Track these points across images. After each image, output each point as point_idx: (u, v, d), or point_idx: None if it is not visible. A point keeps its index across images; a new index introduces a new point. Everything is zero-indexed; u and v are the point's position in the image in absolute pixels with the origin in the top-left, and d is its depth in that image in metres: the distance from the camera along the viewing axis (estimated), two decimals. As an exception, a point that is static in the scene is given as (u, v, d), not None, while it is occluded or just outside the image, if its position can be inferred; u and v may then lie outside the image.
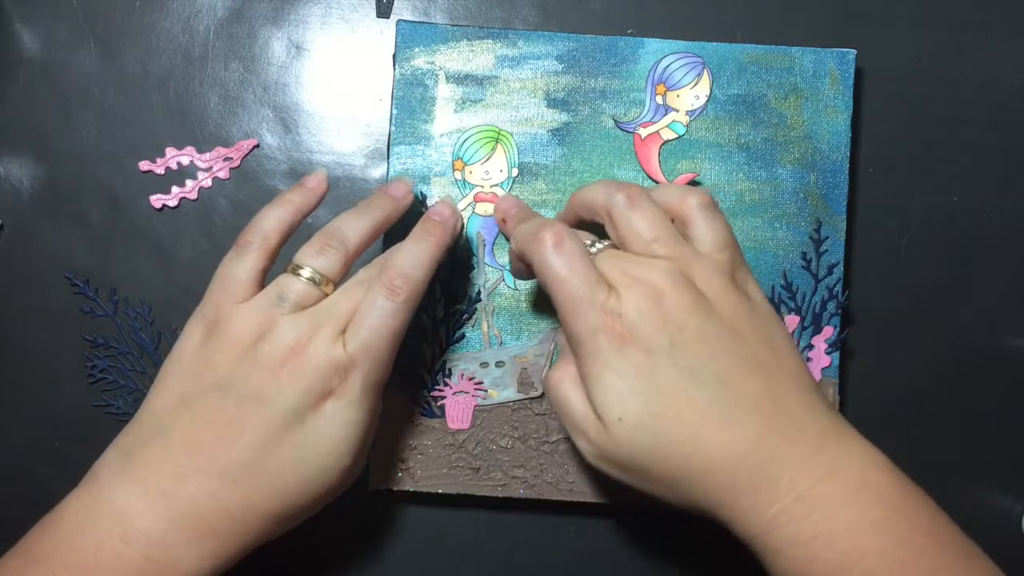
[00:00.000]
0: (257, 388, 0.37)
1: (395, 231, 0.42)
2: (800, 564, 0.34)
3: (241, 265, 0.39)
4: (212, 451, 0.36)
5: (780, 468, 0.34)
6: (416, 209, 0.43)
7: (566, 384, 0.38)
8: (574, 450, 0.46)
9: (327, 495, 0.39)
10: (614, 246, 0.38)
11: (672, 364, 0.35)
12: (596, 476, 0.46)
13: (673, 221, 0.38)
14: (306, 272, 0.39)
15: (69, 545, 0.35)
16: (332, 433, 0.37)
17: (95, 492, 0.36)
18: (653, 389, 0.35)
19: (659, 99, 0.47)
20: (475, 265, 0.46)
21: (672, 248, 0.37)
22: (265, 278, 0.40)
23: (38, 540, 0.36)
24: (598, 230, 0.40)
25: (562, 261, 0.36)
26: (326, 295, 0.39)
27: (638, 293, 0.35)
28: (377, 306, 0.38)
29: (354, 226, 0.40)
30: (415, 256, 0.39)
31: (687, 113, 0.47)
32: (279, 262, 0.40)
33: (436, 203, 0.42)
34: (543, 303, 0.46)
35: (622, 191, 0.38)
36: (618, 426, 0.35)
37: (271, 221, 0.40)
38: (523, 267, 0.40)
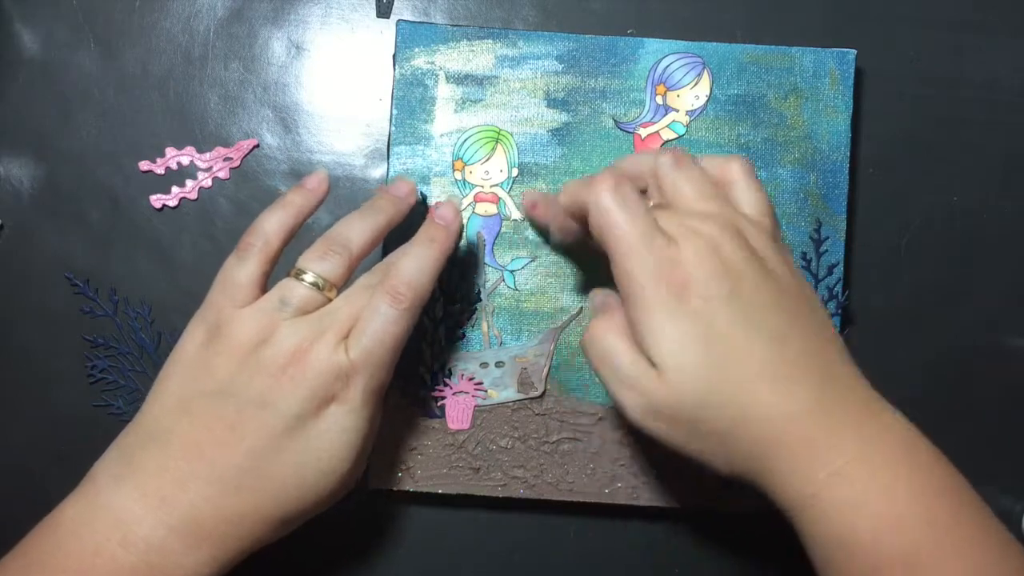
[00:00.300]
0: (258, 393, 0.36)
1: (397, 231, 0.42)
2: (841, 531, 0.34)
3: (243, 269, 0.39)
4: (212, 457, 0.36)
5: (830, 433, 0.34)
6: (418, 209, 0.43)
7: (612, 335, 0.37)
8: (574, 450, 0.46)
9: (326, 500, 0.39)
10: (659, 206, 0.38)
11: (731, 313, 0.34)
12: (596, 476, 0.46)
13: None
14: (309, 277, 0.38)
15: (67, 550, 0.35)
16: (333, 439, 0.37)
17: (92, 497, 0.36)
18: (711, 337, 0.34)
19: (659, 99, 0.47)
20: (475, 265, 0.46)
21: (721, 206, 0.37)
22: (267, 281, 0.39)
23: (36, 544, 0.36)
24: None
25: (620, 204, 0.36)
26: (329, 300, 0.39)
27: (696, 242, 0.35)
28: (380, 313, 0.38)
29: (357, 230, 0.40)
30: (419, 262, 0.39)
31: (687, 113, 0.47)
32: (280, 265, 0.40)
33: (439, 205, 0.42)
34: (543, 303, 0.46)
35: (668, 153, 0.38)
36: (675, 374, 0.34)
37: (272, 224, 0.40)
38: (571, 226, 0.39)
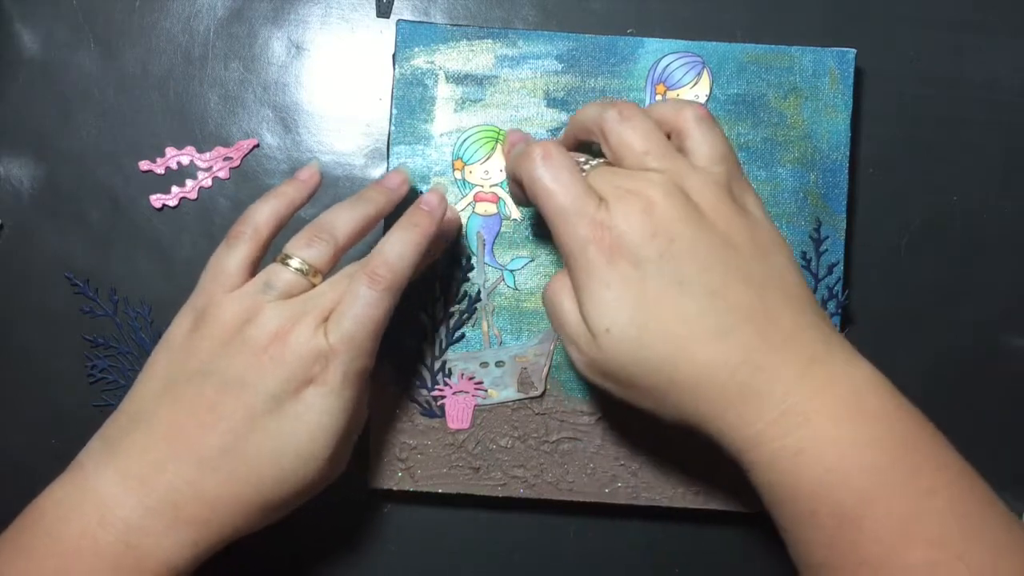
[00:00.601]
0: (238, 372, 0.37)
1: (392, 221, 0.42)
2: (785, 479, 0.34)
3: (232, 256, 0.39)
4: (191, 437, 0.36)
5: (769, 382, 0.34)
6: (411, 199, 0.44)
7: (561, 294, 0.37)
8: (574, 449, 0.46)
9: (307, 488, 0.38)
10: (608, 164, 0.38)
11: (660, 275, 0.34)
12: (596, 476, 0.46)
13: (670, 137, 0.38)
14: (295, 262, 0.39)
15: (54, 534, 0.35)
16: (311, 420, 0.37)
17: (79, 481, 0.36)
18: (641, 301, 0.34)
19: (659, 99, 0.47)
20: (475, 265, 0.46)
21: (665, 160, 0.36)
22: (256, 269, 0.40)
23: (24, 529, 0.36)
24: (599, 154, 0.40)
25: (551, 174, 0.36)
26: (313, 285, 0.39)
27: (628, 204, 0.35)
28: (359, 296, 0.38)
29: (344, 219, 0.40)
30: (399, 246, 0.39)
31: (687, 113, 0.47)
32: (269, 256, 0.40)
33: (426, 192, 0.42)
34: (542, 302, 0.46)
35: (614, 107, 0.38)
36: (606, 337, 0.35)
37: (263, 213, 0.40)
38: (519, 191, 0.40)
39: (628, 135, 0.37)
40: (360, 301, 0.38)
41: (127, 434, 0.37)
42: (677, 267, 0.34)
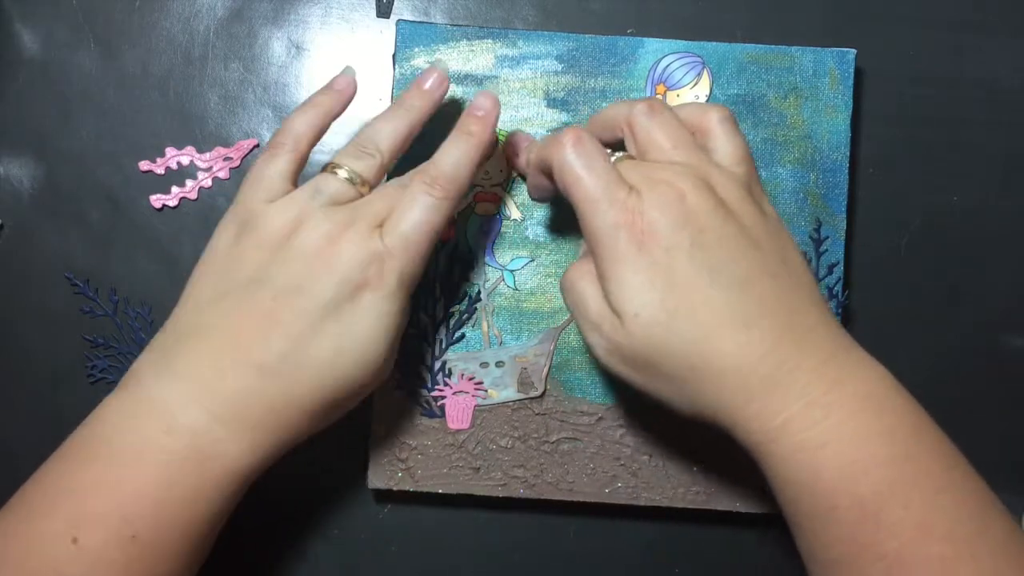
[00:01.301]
0: (293, 279, 0.37)
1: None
2: (806, 472, 0.34)
3: (274, 165, 0.39)
4: (250, 344, 0.36)
5: (792, 374, 0.34)
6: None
7: (584, 280, 0.38)
8: (574, 449, 0.46)
9: (361, 389, 0.39)
10: (630, 157, 0.38)
11: (691, 262, 0.35)
12: (596, 476, 0.46)
13: (693, 136, 0.39)
14: (343, 172, 0.39)
15: (115, 445, 0.35)
16: (369, 323, 0.37)
17: (135, 391, 0.37)
18: (670, 285, 0.35)
19: (659, 99, 0.47)
20: (475, 265, 0.46)
21: (692, 156, 0.37)
22: (297, 180, 0.40)
23: (84, 441, 0.36)
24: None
25: (582, 161, 0.36)
26: (362, 196, 0.39)
27: (659, 192, 0.35)
28: (418, 201, 0.38)
29: (388, 132, 0.40)
30: (456, 156, 0.39)
31: (687, 113, 0.47)
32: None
33: (477, 95, 0.41)
34: (543, 303, 0.46)
35: (643, 102, 0.38)
36: (634, 321, 0.35)
37: (301, 124, 0.40)
38: (543, 183, 0.40)
39: (656, 129, 0.38)
40: (418, 205, 0.38)
41: (182, 344, 0.37)
42: (707, 256, 0.35)
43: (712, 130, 0.39)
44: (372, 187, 0.40)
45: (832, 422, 0.34)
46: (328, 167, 0.39)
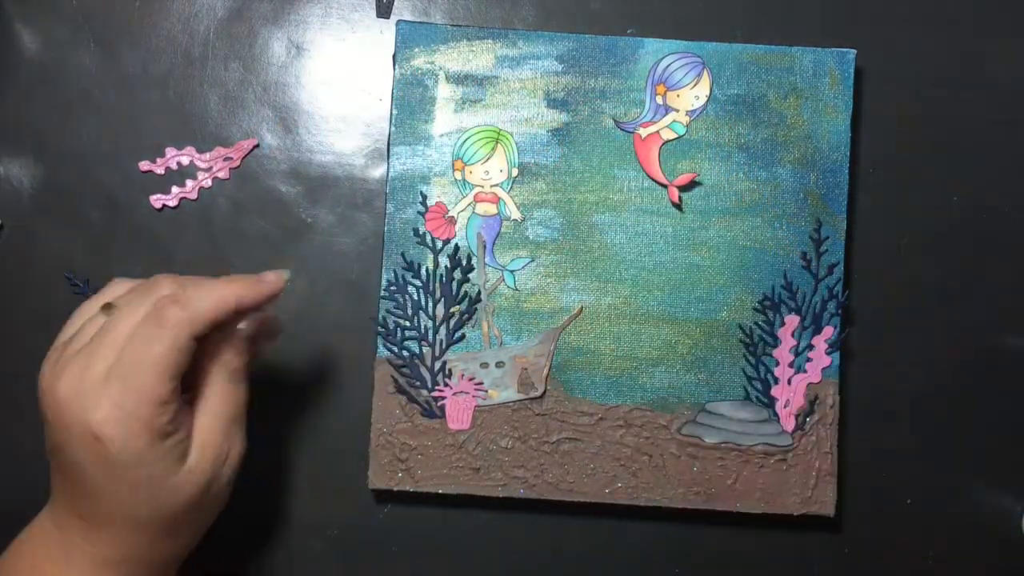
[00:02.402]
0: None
1: None
2: None
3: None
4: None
5: None
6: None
7: None
8: (574, 450, 0.46)
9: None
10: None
11: None
12: (596, 476, 0.46)
13: None
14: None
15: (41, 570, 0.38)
16: None
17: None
18: None
19: (659, 99, 0.47)
20: (475, 266, 0.46)
21: None
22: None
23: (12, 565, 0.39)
24: None
25: None
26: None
27: None
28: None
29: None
30: (214, 296, 0.38)
31: (687, 113, 0.47)
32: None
33: (269, 274, 0.40)
34: (543, 303, 0.46)
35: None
36: None
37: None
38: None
39: None
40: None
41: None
42: None
43: None
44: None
45: None
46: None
